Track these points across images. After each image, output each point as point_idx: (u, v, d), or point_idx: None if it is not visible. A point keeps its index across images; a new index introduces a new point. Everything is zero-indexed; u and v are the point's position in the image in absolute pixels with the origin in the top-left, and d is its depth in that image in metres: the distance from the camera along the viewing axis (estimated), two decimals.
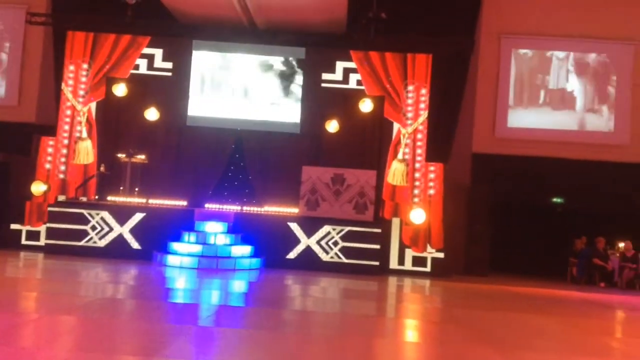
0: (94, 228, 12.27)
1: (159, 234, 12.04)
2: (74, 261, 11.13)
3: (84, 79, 13.42)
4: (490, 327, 7.68)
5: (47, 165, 13.24)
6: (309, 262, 12.13)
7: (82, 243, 12.22)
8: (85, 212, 12.33)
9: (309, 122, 14.00)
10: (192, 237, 11.75)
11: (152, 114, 13.89)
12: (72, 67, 13.41)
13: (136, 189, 13.42)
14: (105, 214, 12.30)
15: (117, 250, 12.08)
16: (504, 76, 14.99)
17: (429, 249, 12.86)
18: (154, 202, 13.24)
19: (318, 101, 13.97)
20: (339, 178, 12.68)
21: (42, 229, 12.75)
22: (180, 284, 9.95)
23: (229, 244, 11.79)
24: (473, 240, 13.89)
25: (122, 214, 12.33)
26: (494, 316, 8.52)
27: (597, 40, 14.88)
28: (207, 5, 12.80)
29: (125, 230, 12.26)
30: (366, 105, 13.69)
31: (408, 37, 13.13)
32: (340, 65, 13.95)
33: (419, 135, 13.20)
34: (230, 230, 12.11)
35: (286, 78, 14.09)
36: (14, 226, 12.89)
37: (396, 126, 13.42)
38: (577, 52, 14.97)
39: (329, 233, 12.30)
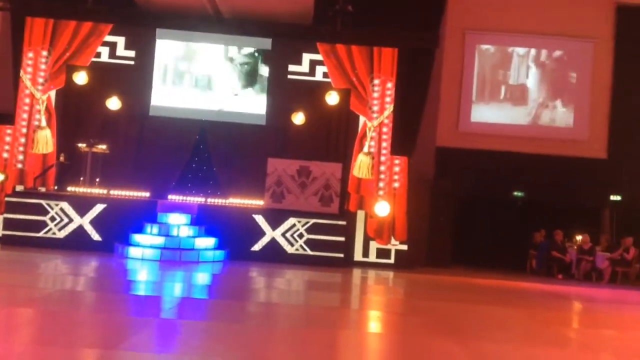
0: (53, 219, 11.99)
1: (120, 226, 11.84)
2: (32, 253, 10.86)
3: (43, 67, 13.06)
4: (452, 318, 7.80)
5: (5, 155, 12.86)
6: (274, 255, 12.11)
7: (40, 234, 11.93)
8: (44, 202, 12.04)
9: (274, 113, 13.93)
10: (155, 229, 11.59)
11: (113, 103, 13.62)
12: (30, 55, 13.03)
13: (97, 180, 13.15)
14: (64, 205, 12.03)
15: (77, 242, 11.83)
16: (468, 71, 15.20)
17: (393, 241, 12.97)
18: (116, 193, 12.99)
19: (284, 93, 13.90)
20: (304, 170, 12.67)
21: None
22: (142, 276, 9.82)
23: (192, 235, 11.68)
24: (436, 233, 14.06)
25: (82, 204, 12.08)
26: (455, 307, 8.66)
27: (558, 38, 15.20)
28: None
29: (85, 222, 12.02)
30: (332, 98, 13.69)
31: (374, 31, 13.17)
32: (306, 57, 13.91)
33: (385, 129, 13.27)
34: (193, 222, 11.99)
35: (252, 69, 13.98)
36: None
37: (362, 119, 13.47)
38: (538, 49, 15.26)
39: (294, 225, 12.29)
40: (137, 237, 11.46)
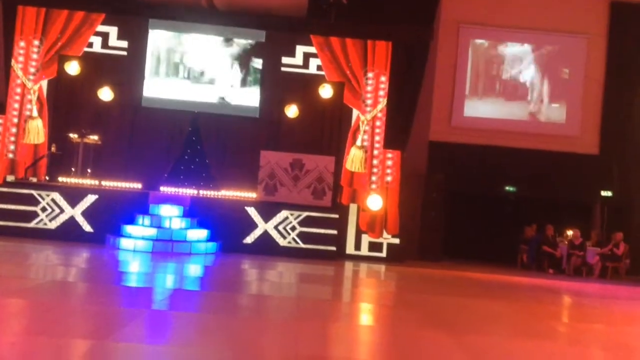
0: (44, 209, 11.93)
1: (112, 217, 11.79)
2: (23, 243, 10.81)
3: (35, 56, 12.95)
4: (443, 311, 7.84)
5: None
6: (266, 247, 12.10)
7: (31, 225, 11.87)
8: (35, 193, 11.97)
9: (268, 106, 13.89)
10: (147, 221, 11.55)
11: (105, 94, 13.53)
12: (22, 44, 12.91)
13: (88, 170, 13.08)
14: (56, 195, 11.97)
15: (68, 233, 11.78)
16: (461, 66, 15.20)
17: (385, 234, 13.00)
18: (107, 184, 12.93)
19: (277, 85, 13.85)
20: (297, 163, 12.66)
21: None
22: (134, 267, 9.80)
23: (184, 227, 11.65)
24: (428, 227, 14.10)
25: (73, 195, 12.02)
26: (446, 300, 8.70)
27: (551, 33, 15.21)
28: None
29: (77, 213, 11.96)
30: (326, 91, 13.66)
31: (368, 24, 13.14)
32: (300, 50, 13.85)
33: (378, 123, 13.27)
34: (186, 214, 11.96)
35: (245, 61, 13.92)
36: None
37: (355, 113, 13.45)
38: (532, 44, 15.29)
39: (286, 218, 12.29)
40: (128, 229, 11.43)
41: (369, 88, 13.25)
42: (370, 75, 13.24)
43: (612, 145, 15.13)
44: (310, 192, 12.58)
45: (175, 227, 11.54)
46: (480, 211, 15.52)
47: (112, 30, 13.61)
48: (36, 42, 12.93)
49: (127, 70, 13.72)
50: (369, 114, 13.25)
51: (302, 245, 12.24)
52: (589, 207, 15.78)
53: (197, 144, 13.80)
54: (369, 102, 13.26)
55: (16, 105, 12.88)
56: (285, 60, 13.87)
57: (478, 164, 14.77)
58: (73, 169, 12.95)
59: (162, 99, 13.76)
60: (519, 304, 9.13)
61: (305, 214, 12.29)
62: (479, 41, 15.26)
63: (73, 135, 12.90)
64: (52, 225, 11.91)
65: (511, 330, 6.88)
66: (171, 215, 11.71)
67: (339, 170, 13.11)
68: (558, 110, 15.28)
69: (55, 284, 7.64)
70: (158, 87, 13.77)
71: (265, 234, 12.23)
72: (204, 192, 13.12)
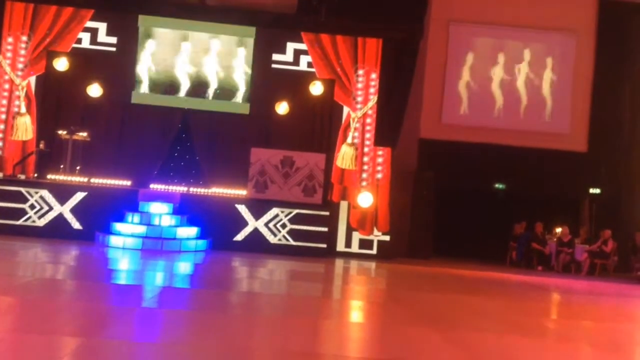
0: (32, 207, 11.84)
1: (101, 214, 11.72)
2: (11, 241, 10.72)
3: (23, 52, 12.84)
4: (432, 308, 7.87)
5: None
6: (257, 245, 12.08)
7: (19, 222, 11.78)
8: (23, 190, 11.88)
9: (258, 103, 13.85)
10: (136, 218, 11.50)
11: (95, 90, 13.43)
12: (10, 40, 12.80)
13: (77, 168, 12.99)
14: (44, 193, 11.88)
15: (57, 230, 11.70)
16: (451, 63, 15.23)
17: (375, 232, 13.02)
18: (97, 181, 12.86)
19: (268, 82, 13.81)
20: (288, 160, 12.65)
21: None
22: (123, 265, 9.75)
23: (174, 225, 11.60)
24: (418, 224, 14.13)
25: (62, 192, 11.94)
26: (435, 297, 8.73)
27: (540, 31, 15.27)
28: None
29: (65, 210, 11.89)
30: (316, 88, 13.65)
31: (359, 21, 13.13)
32: (290, 47, 13.83)
33: (368, 120, 13.28)
34: (175, 212, 11.91)
35: (235, 57, 13.87)
36: None
37: (346, 110, 13.46)
38: (522, 42, 15.34)
39: (277, 215, 12.27)
40: (118, 226, 11.37)
41: (359, 85, 13.25)
42: (360, 72, 13.25)
43: (600, 142, 15.23)
44: (300, 190, 12.57)
45: (165, 225, 11.49)
46: (470, 208, 15.57)
47: (102, 26, 13.51)
48: (24, 38, 12.82)
49: (116, 66, 13.63)
50: (360, 111, 13.26)
51: (292, 242, 12.23)
52: (578, 205, 15.89)
53: (187, 140, 13.76)
54: (359, 99, 13.27)
55: (4, 102, 12.77)
56: (275, 57, 13.83)
57: (468, 161, 14.81)
58: (62, 166, 12.86)
59: (151, 96, 13.69)
60: (508, 300, 9.19)
61: (295, 211, 12.28)
62: (468, 38, 15.29)
63: (62, 132, 12.80)
64: (41, 222, 11.82)
65: (500, 327, 6.91)
66: (161, 212, 11.66)
67: (329, 168, 13.11)
68: (547, 108, 15.35)
69: (44, 281, 7.59)
70: (147, 83, 13.67)
71: (256, 231, 12.21)
72: (194, 190, 13.08)
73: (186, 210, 12.08)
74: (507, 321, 7.36)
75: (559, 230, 14.93)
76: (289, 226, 12.25)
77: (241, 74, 13.86)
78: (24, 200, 11.83)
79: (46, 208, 11.86)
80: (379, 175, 13.18)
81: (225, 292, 7.89)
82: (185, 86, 13.78)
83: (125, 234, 11.20)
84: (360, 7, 13.18)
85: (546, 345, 6.29)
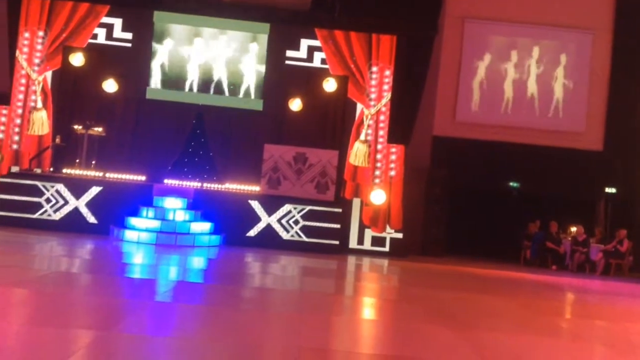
0: (48, 201, 11.96)
1: (116, 209, 11.81)
2: (27, 234, 10.84)
3: (39, 47, 12.95)
4: (445, 306, 7.84)
5: (0, 135, 12.79)
6: (269, 240, 12.11)
7: (35, 216, 11.91)
8: (39, 184, 12.00)
9: (271, 99, 13.87)
10: (151, 213, 11.58)
11: (110, 86, 13.53)
12: (27, 35, 12.91)
13: (93, 162, 13.11)
14: (60, 187, 12.00)
15: (72, 224, 11.81)
16: (466, 60, 15.14)
17: (388, 229, 13.00)
18: (111, 175, 12.96)
19: (281, 79, 13.83)
20: (301, 157, 12.65)
21: None
22: (138, 259, 9.83)
23: (188, 220, 11.67)
24: (431, 222, 14.09)
25: (78, 187, 12.04)
26: (448, 296, 8.70)
27: (556, 28, 15.13)
28: None
29: (81, 204, 11.99)
30: (330, 85, 13.64)
31: (373, 17, 13.10)
32: (304, 43, 13.82)
33: (382, 117, 13.24)
34: (189, 207, 11.97)
35: (249, 54, 13.89)
36: None
37: (359, 107, 13.43)
38: (538, 39, 15.21)
39: (289, 212, 12.29)
40: (132, 221, 11.45)
41: (373, 82, 13.22)
42: (374, 69, 13.21)
43: (616, 141, 15.08)
44: (313, 186, 12.57)
45: (179, 220, 11.57)
46: (484, 207, 15.50)
47: (117, 22, 13.59)
48: (41, 33, 12.93)
49: (131, 62, 13.71)
50: (373, 108, 13.23)
51: (305, 238, 12.25)
52: (593, 204, 15.75)
53: (201, 136, 13.82)
54: (373, 96, 13.23)
55: (21, 97, 12.90)
56: (289, 53, 13.84)
57: (482, 159, 14.73)
58: (77, 161, 12.98)
59: (166, 91, 13.75)
60: (522, 299, 9.14)
61: (308, 207, 12.29)
62: (484, 36, 15.19)
63: (77, 127, 12.92)
64: (57, 216, 11.94)
65: (514, 326, 6.88)
66: (175, 207, 11.73)
67: (342, 165, 13.11)
68: (563, 106, 15.21)
69: (60, 274, 7.67)
70: (162, 79, 13.74)
71: (269, 227, 12.24)
72: (207, 185, 13.14)
73: (200, 205, 12.14)
74: (520, 320, 7.32)
75: (573, 229, 14.81)
76: (302, 222, 12.27)
77: (255, 71, 13.87)
78: (40, 194, 11.95)
79: (62, 202, 11.97)
80: (392, 173, 13.15)
81: (238, 288, 7.92)
82: (199, 82, 13.83)
83: (140, 228, 11.28)
84: (375, 4, 13.15)
85: (560, 345, 6.25)
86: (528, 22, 15.09)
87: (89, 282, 7.56)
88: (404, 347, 5.48)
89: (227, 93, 13.85)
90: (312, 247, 12.10)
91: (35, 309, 5.84)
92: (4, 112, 12.84)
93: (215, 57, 13.85)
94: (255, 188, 12.98)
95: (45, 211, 11.95)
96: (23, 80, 12.92)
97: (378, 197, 12.86)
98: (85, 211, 11.98)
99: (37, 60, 12.94)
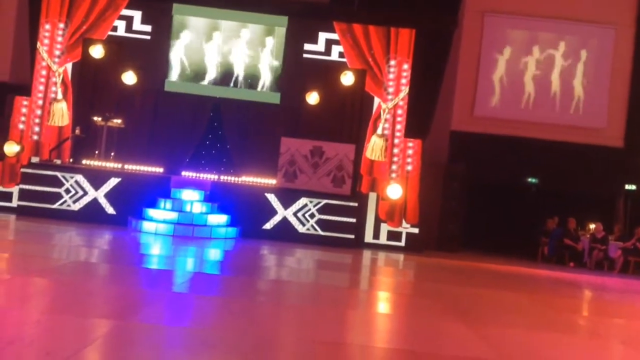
0: (68, 191, 12.11)
1: (134, 200, 11.92)
2: (47, 224, 10.99)
3: (60, 39, 13.08)
4: (461, 301, 7.82)
5: (21, 126, 12.95)
6: (285, 233, 12.15)
7: (55, 206, 12.06)
8: (59, 174, 12.15)
9: (289, 92, 13.86)
10: (168, 204, 11.67)
11: (129, 78, 13.62)
12: (48, 27, 13.04)
13: (112, 154, 13.23)
14: (79, 178, 12.13)
15: (91, 215, 11.95)
16: (486, 55, 15.01)
17: (404, 224, 12.96)
18: (130, 167, 13.08)
19: (299, 72, 13.81)
20: (317, 150, 12.66)
21: (15, 190, 12.51)
22: (155, 250, 9.92)
23: (205, 212, 11.74)
24: (447, 217, 14.02)
25: (97, 178, 12.17)
26: (464, 291, 8.67)
27: (578, 23, 14.94)
28: None
29: (100, 195, 12.12)
30: (347, 78, 13.60)
31: (392, 11, 13.03)
32: (322, 36, 13.78)
33: (399, 111, 13.19)
34: (206, 199, 12.05)
35: (267, 47, 13.89)
36: None
37: (377, 101, 13.39)
38: (559, 34, 15.03)
39: (305, 205, 12.31)
40: (150, 212, 11.55)
41: (391, 76, 13.16)
42: (392, 62, 13.15)
43: (637, 138, 14.87)
44: (329, 180, 12.57)
45: (196, 212, 11.64)
46: (501, 202, 15.39)
47: (137, 14, 13.66)
48: (61, 25, 13.05)
49: (150, 54, 13.78)
50: (391, 102, 13.17)
51: (320, 232, 12.26)
52: (613, 201, 15.56)
53: (219, 129, 13.88)
54: (390, 90, 13.18)
55: (41, 88, 13.04)
56: (307, 46, 13.80)
57: (500, 154, 14.63)
58: (97, 152, 13.11)
59: (184, 84, 13.83)
60: (539, 296, 9.07)
61: (324, 201, 12.30)
62: (504, 30, 15.04)
63: (97, 119, 13.05)
64: (76, 207, 12.09)
65: (531, 323, 6.84)
66: (192, 199, 11.81)
67: (359, 159, 13.08)
68: (584, 102, 15.03)
69: (78, 264, 7.77)
70: (181, 71, 13.81)
71: (285, 220, 12.28)
72: (224, 178, 13.20)
73: (217, 197, 12.21)
74: (537, 317, 7.28)
75: (592, 226, 14.67)
76: (318, 216, 12.29)
77: (272, 64, 13.88)
78: (60, 184, 12.10)
79: (81, 193, 12.11)
80: (409, 167, 13.10)
81: (254, 280, 7.96)
82: (216, 75, 13.87)
83: (158, 219, 11.37)
84: None
85: (577, 342, 6.20)
86: (548, 17, 14.91)
87: (107, 272, 7.65)
88: (419, 342, 5.48)
89: (244, 86, 13.88)
90: (327, 241, 12.11)
91: (54, 298, 5.93)
92: (25, 103, 13.00)
93: (233, 50, 13.87)
94: (272, 181, 13.02)
95: (65, 202, 12.09)
96: (44, 72, 13.06)
97: (394, 191, 12.82)
98: (104, 202, 12.11)
99: (57, 52, 13.07)
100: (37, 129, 12.98)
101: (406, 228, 12.97)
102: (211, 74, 13.88)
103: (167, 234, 11.07)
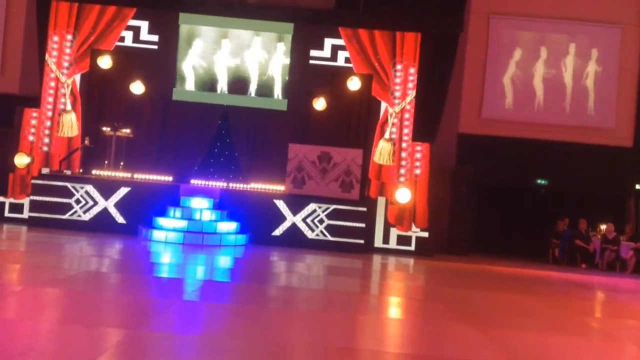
0: (78, 201, 12.18)
1: (144, 209, 11.98)
2: (57, 234, 11.06)
3: (68, 50, 13.20)
4: (472, 305, 7.78)
5: (31, 137, 13.06)
6: (295, 240, 12.16)
7: (66, 216, 12.13)
8: (69, 185, 12.23)
9: (296, 99, 13.91)
10: (178, 213, 11.71)
11: (137, 88, 13.72)
12: (56, 38, 13.17)
13: (121, 163, 13.31)
14: (89, 188, 12.21)
15: (101, 224, 12.01)
16: (492, 57, 14.99)
17: (413, 228, 12.93)
18: (139, 176, 13.15)
19: (306, 78, 13.85)
20: (325, 156, 12.67)
21: (26, 201, 12.62)
22: (166, 258, 9.95)
23: (214, 220, 11.78)
24: (457, 220, 13.98)
25: (107, 187, 12.25)
26: (475, 295, 8.63)
27: (585, 23, 14.90)
28: None
29: (110, 205, 12.19)
30: (354, 84, 13.62)
31: (397, 15, 13.04)
32: (328, 42, 13.81)
33: (406, 115, 13.18)
34: (215, 207, 12.08)
35: (274, 54, 13.95)
36: None
37: (384, 105, 13.39)
38: (565, 34, 14.99)
39: (314, 211, 12.32)
40: (160, 221, 11.60)
41: (397, 80, 13.16)
42: (398, 67, 13.15)
43: None
44: (338, 185, 12.58)
45: (206, 219, 11.68)
46: (511, 204, 15.33)
47: (144, 25, 13.77)
48: (69, 37, 13.17)
49: (158, 64, 13.88)
50: (398, 106, 13.17)
51: (330, 238, 12.26)
52: (623, 201, 15.46)
53: (227, 137, 13.92)
54: (397, 94, 13.18)
55: (50, 99, 13.16)
56: (313, 53, 13.84)
57: (509, 156, 14.58)
58: (106, 162, 13.19)
59: (192, 92, 13.90)
60: (551, 298, 9.01)
61: (333, 206, 12.30)
62: (510, 31, 15.02)
63: (106, 129, 13.13)
64: (86, 217, 12.16)
65: (542, 326, 6.79)
66: (201, 207, 11.84)
67: (367, 163, 13.08)
68: (592, 103, 14.96)
69: (89, 274, 7.80)
70: (188, 80, 13.89)
71: (294, 226, 12.29)
72: (233, 185, 13.23)
73: (226, 205, 12.24)
74: (549, 319, 7.23)
75: (603, 227, 14.57)
76: (327, 222, 12.29)
77: (279, 71, 13.93)
78: (70, 195, 12.18)
79: (91, 203, 12.18)
80: (417, 171, 13.08)
81: (265, 286, 7.97)
82: (224, 83, 13.94)
83: (167, 228, 11.42)
84: (399, 1, 13.09)
85: (590, 345, 6.16)
86: (555, 17, 14.88)
87: (118, 281, 7.68)
88: (430, 347, 5.46)
89: (252, 93, 13.93)
90: (337, 246, 12.11)
91: (66, 307, 5.96)
92: (34, 114, 13.11)
93: (240, 58, 13.93)
94: (280, 187, 13.04)
95: (75, 212, 12.17)
96: (52, 84, 13.18)
97: (403, 195, 12.80)
98: (114, 211, 12.17)
99: (65, 64, 13.19)
100: (46, 140, 13.09)
101: (416, 232, 12.94)
102: (219, 82, 13.94)
103: (177, 242, 11.11)
